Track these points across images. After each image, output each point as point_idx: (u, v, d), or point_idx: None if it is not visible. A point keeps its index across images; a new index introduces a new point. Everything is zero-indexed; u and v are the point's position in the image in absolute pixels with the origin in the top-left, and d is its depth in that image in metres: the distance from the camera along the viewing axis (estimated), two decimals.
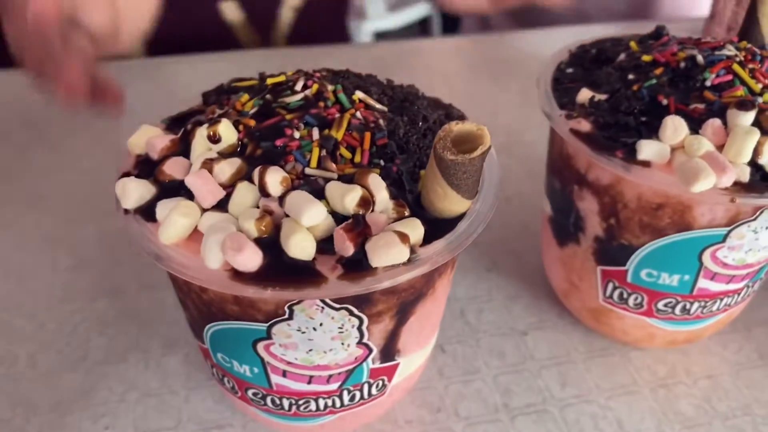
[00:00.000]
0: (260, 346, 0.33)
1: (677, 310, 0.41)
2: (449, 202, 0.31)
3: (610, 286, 0.42)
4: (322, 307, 0.31)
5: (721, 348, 0.48)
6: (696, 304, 0.41)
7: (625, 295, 0.42)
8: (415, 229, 0.30)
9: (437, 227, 0.32)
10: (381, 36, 2.83)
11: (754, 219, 0.36)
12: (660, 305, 0.41)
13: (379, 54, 0.84)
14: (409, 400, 0.44)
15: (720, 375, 0.46)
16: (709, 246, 0.38)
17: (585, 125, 0.38)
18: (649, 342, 0.45)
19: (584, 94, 0.39)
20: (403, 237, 0.29)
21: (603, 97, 0.39)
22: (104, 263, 0.53)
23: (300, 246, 0.29)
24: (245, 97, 0.35)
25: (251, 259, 0.28)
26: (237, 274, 0.29)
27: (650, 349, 0.47)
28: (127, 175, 0.34)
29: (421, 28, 3.02)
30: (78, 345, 0.47)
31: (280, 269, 0.29)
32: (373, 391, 0.37)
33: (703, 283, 0.40)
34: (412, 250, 0.30)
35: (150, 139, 0.34)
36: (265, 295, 0.28)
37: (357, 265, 0.29)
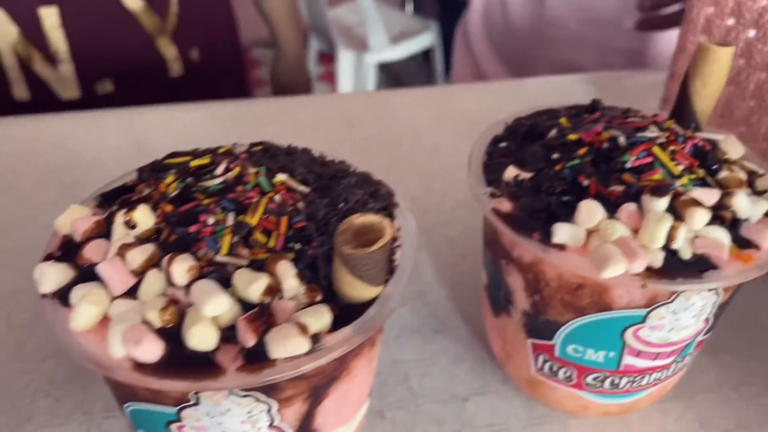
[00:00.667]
0: (173, 428, 0.33)
1: (606, 384, 0.42)
2: (356, 290, 0.32)
3: (541, 359, 0.42)
4: (228, 394, 0.31)
5: (662, 416, 0.48)
6: (625, 379, 0.41)
7: (555, 368, 0.42)
8: (321, 318, 0.31)
9: (348, 312, 0.32)
10: (384, 67, 2.86)
11: (672, 301, 0.37)
12: (589, 379, 0.42)
13: (348, 105, 0.85)
14: None
15: None
16: (631, 326, 0.38)
17: (506, 205, 0.38)
18: (583, 412, 0.45)
19: (510, 172, 0.40)
20: (303, 328, 0.30)
21: (527, 175, 0.40)
22: None
23: (199, 337, 0.29)
24: (170, 177, 0.36)
25: (150, 351, 0.29)
26: (138, 365, 0.29)
27: (590, 417, 0.47)
28: (49, 257, 0.35)
29: (424, 59, 3.05)
30: (23, 406, 0.48)
31: (180, 360, 0.29)
32: None
33: (628, 360, 0.40)
34: (317, 339, 0.31)
35: (75, 220, 0.35)
36: (165, 387, 0.29)
37: (257, 356, 0.30)
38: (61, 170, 0.71)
